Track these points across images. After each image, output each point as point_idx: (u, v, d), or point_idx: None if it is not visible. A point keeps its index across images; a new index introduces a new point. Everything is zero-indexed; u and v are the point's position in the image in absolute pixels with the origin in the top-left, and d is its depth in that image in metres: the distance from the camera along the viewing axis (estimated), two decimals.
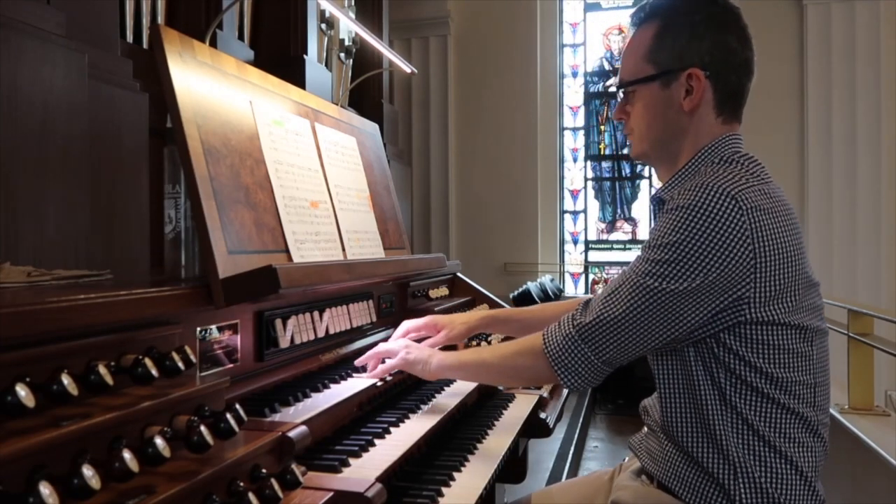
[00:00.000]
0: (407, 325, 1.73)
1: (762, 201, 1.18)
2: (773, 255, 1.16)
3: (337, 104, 2.26)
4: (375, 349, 1.61)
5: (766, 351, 1.20)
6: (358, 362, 1.62)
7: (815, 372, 1.24)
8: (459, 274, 2.70)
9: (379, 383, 1.58)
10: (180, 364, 0.95)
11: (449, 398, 1.73)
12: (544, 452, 3.77)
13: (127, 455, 0.74)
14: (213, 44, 1.96)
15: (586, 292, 6.91)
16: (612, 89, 6.90)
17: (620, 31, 6.99)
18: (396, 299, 2.12)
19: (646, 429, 1.44)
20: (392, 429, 1.43)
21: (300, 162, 1.59)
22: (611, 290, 1.25)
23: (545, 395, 2.06)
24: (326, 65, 3.63)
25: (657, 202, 1.39)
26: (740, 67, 1.32)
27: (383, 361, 1.61)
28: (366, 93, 4.35)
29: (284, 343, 1.46)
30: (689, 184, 1.22)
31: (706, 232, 1.15)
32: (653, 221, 1.47)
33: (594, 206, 7.05)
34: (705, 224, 1.15)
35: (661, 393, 1.32)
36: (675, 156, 1.36)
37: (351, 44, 3.77)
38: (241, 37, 3.05)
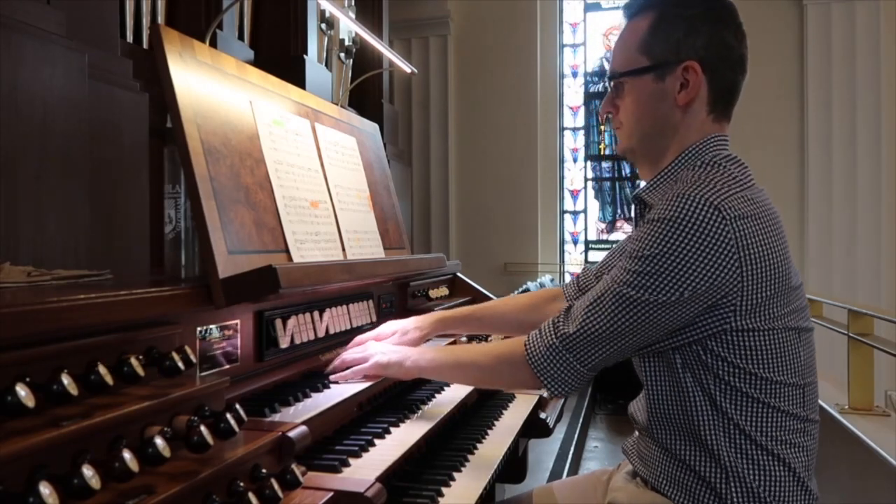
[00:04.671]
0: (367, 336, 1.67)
1: (746, 208, 1.16)
2: (759, 263, 1.15)
3: (337, 104, 2.26)
4: (352, 366, 1.51)
5: (754, 355, 1.19)
6: (334, 377, 1.50)
7: (803, 373, 1.24)
8: (459, 274, 2.70)
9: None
10: (180, 364, 0.95)
11: (449, 398, 1.73)
12: (544, 452, 3.77)
13: (127, 455, 0.74)
14: (213, 44, 1.96)
15: None
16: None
17: None
18: (396, 299, 2.12)
19: (637, 433, 1.44)
20: (392, 429, 1.43)
21: (300, 162, 1.59)
22: (593, 300, 1.22)
23: (545, 395, 2.06)
24: (326, 65, 3.63)
25: (639, 202, 1.38)
26: (736, 64, 1.29)
27: None
28: (366, 93, 4.35)
29: (284, 343, 1.46)
30: (670, 192, 1.19)
31: (690, 244, 1.13)
32: (637, 221, 1.44)
33: (594, 206, 7.05)
34: (688, 236, 1.13)
35: (649, 399, 1.31)
36: (660, 153, 1.33)
37: (351, 44, 3.77)
38: (241, 37, 3.05)
